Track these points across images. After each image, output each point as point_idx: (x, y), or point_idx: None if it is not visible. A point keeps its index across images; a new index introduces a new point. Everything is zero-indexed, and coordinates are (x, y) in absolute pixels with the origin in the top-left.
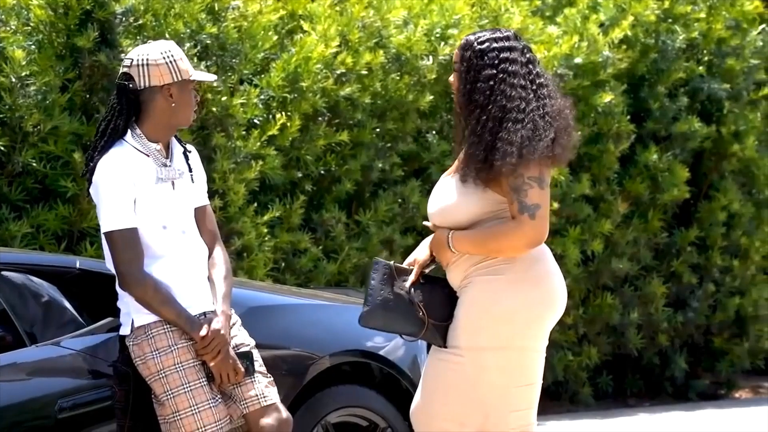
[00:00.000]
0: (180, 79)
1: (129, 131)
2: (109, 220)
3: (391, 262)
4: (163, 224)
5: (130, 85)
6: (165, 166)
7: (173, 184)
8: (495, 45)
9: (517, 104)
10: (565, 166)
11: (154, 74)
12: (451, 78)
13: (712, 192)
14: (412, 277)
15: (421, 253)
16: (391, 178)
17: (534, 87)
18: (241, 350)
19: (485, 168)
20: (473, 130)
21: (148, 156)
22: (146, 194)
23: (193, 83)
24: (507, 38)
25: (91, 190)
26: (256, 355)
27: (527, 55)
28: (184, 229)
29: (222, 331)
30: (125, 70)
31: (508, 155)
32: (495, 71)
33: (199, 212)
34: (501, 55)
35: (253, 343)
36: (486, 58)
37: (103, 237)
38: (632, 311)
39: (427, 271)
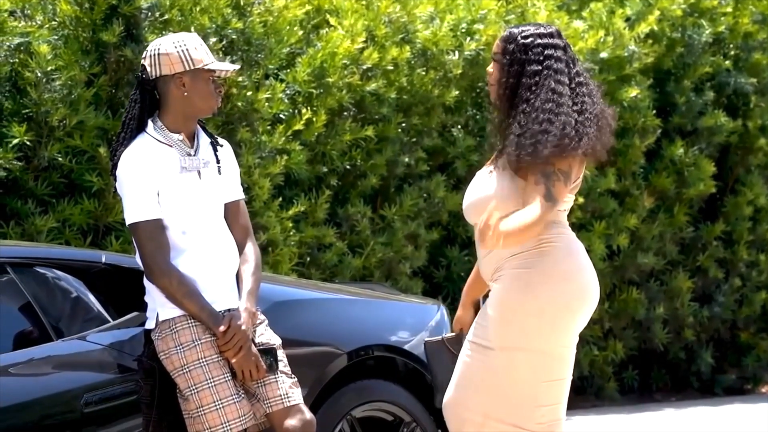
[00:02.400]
0: (191, 68)
1: (151, 123)
2: (132, 212)
3: (441, 337)
4: (189, 216)
5: (143, 75)
6: (189, 155)
7: (199, 173)
8: (540, 41)
9: (561, 99)
10: (595, 164)
11: (165, 63)
12: (490, 69)
13: (738, 186)
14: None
15: (465, 315)
16: (416, 172)
17: (574, 85)
18: (264, 348)
19: (525, 155)
20: (518, 122)
21: (171, 146)
22: (171, 184)
23: (210, 73)
24: (551, 35)
25: (116, 185)
26: (281, 354)
27: (569, 54)
28: (209, 222)
29: (243, 327)
30: (142, 61)
31: (549, 144)
32: (540, 67)
33: (232, 207)
34: (546, 52)
35: (279, 342)
36: (531, 53)
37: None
38: (658, 306)
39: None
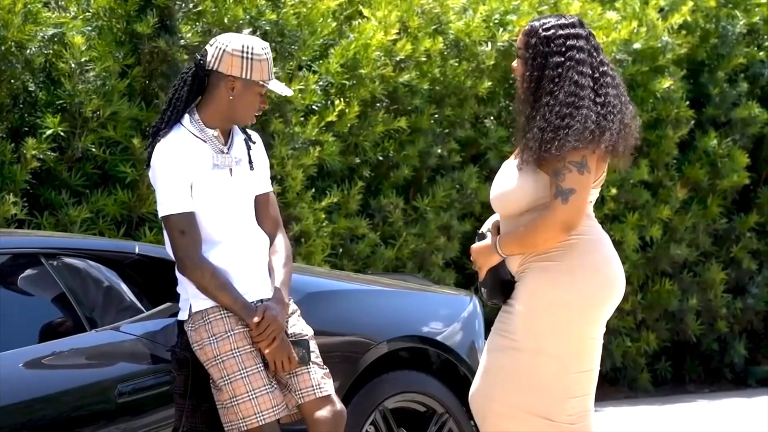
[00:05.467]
0: (248, 77)
1: (188, 116)
2: (165, 204)
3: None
4: (220, 211)
5: (201, 61)
6: (222, 152)
7: (231, 171)
8: (561, 32)
9: (584, 92)
10: (627, 161)
11: (225, 61)
12: (514, 64)
13: None
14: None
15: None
16: (449, 164)
17: (597, 75)
18: (296, 339)
19: (543, 151)
20: (542, 115)
21: (205, 142)
22: (202, 180)
23: (262, 88)
24: (572, 25)
25: (149, 174)
26: (313, 345)
27: (592, 43)
28: (241, 216)
29: (277, 318)
30: (207, 47)
31: (571, 139)
32: (563, 58)
33: (262, 199)
34: (568, 42)
35: (311, 332)
36: (552, 45)
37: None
38: (691, 297)
39: None
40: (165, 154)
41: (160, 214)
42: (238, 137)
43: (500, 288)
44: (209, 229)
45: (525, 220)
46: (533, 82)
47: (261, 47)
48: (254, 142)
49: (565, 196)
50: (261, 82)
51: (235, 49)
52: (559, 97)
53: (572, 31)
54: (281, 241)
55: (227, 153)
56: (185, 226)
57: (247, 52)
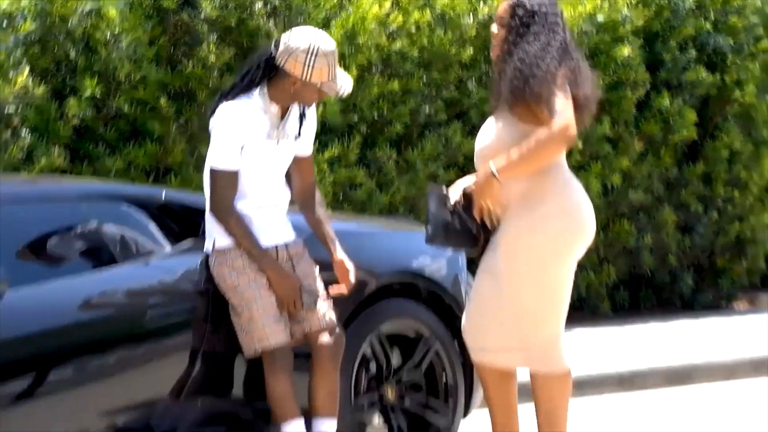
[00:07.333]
0: (307, 81)
1: (258, 88)
2: (216, 159)
3: (443, 188)
4: (259, 174)
5: (271, 53)
6: (276, 127)
7: (278, 142)
8: (545, 9)
9: (549, 48)
10: (586, 122)
11: (290, 62)
12: (494, 30)
13: (717, 132)
14: (457, 196)
15: (463, 180)
16: (436, 121)
17: (566, 45)
18: (307, 289)
19: (524, 93)
20: (514, 66)
21: (266, 114)
22: (253, 147)
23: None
24: (553, 3)
25: (211, 122)
26: (319, 281)
27: (563, 20)
28: (274, 177)
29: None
30: (281, 41)
31: (545, 80)
32: (542, 28)
33: (304, 161)
34: (549, 20)
35: (317, 272)
36: (536, 17)
37: (206, 169)
38: (646, 236)
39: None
40: (229, 114)
41: (209, 164)
42: (294, 113)
43: (443, 229)
44: (245, 185)
45: None
46: (512, 45)
47: (323, 52)
48: (305, 117)
49: (560, 113)
50: (318, 85)
51: (300, 52)
52: (530, 51)
53: (556, 9)
54: (320, 199)
55: (281, 129)
56: (227, 181)
57: (311, 56)
